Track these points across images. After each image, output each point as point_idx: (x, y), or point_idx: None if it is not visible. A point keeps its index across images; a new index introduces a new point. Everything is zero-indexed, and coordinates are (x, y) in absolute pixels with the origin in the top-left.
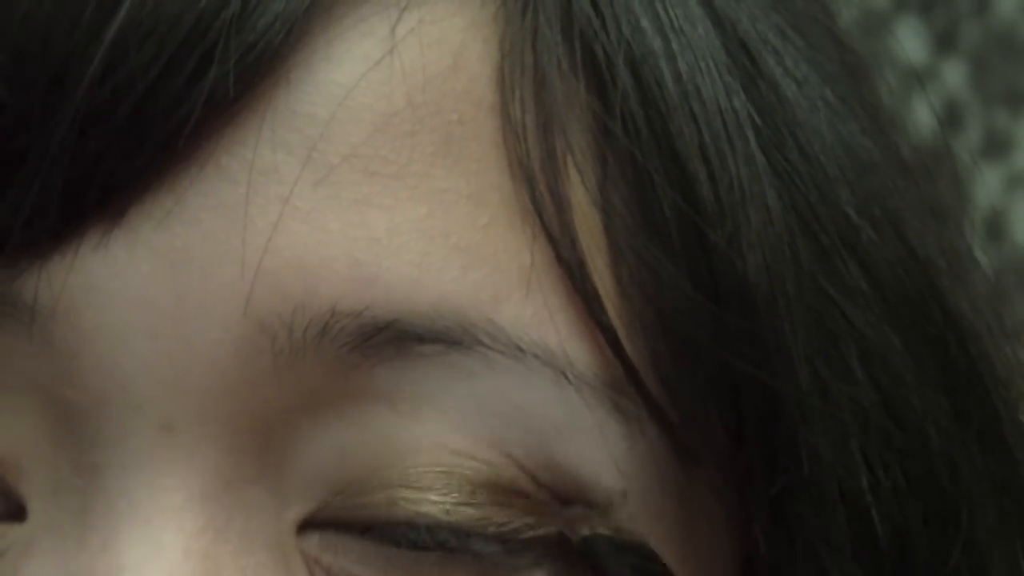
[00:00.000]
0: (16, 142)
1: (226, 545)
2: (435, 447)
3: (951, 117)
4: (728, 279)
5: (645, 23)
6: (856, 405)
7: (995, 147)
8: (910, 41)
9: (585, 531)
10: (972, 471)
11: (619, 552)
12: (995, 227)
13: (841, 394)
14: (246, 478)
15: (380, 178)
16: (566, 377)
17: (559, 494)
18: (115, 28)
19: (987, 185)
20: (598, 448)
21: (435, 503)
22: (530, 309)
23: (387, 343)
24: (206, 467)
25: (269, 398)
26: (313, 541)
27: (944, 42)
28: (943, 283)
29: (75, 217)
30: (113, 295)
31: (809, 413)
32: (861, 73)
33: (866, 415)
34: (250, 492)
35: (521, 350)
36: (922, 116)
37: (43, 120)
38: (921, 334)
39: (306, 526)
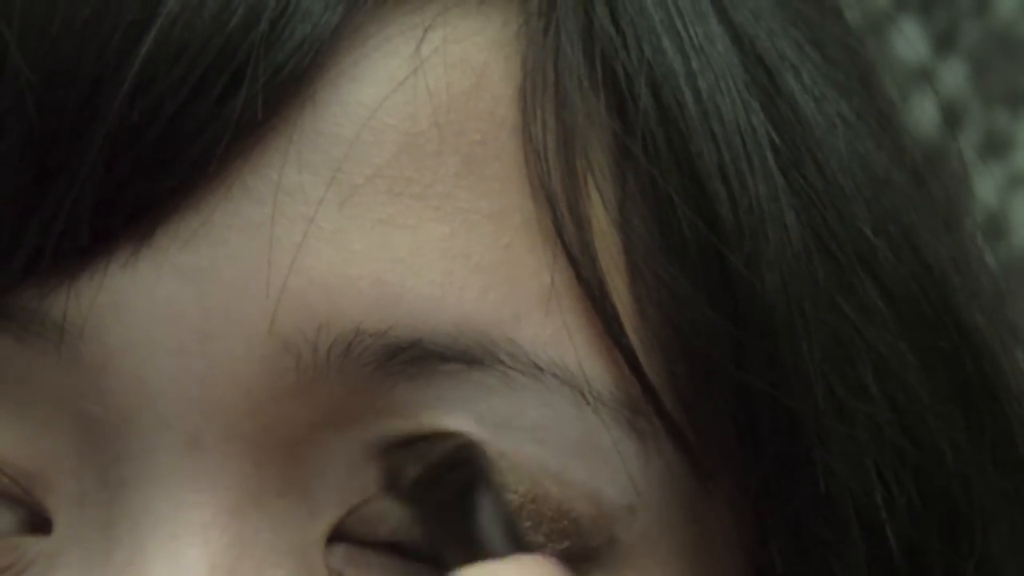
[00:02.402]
0: (47, 163)
1: (252, 560)
2: None
3: (951, 117)
4: (746, 299)
5: (666, 42)
6: (871, 423)
7: (995, 147)
8: (910, 41)
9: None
10: (986, 488)
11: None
12: (995, 227)
13: (857, 412)
14: (272, 493)
15: (404, 198)
16: (583, 396)
17: (569, 510)
18: (144, 51)
19: (987, 185)
20: (614, 464)
21: None
22: (549, 328)
23: (410, 362)
24: (232, 482)
25: (294, 414)
26: (338, 555)
27: (944, 42)
28: (958, 299)
29: (104, 237)
30: (140, 313)
31: (825, 431)
32: (875, 83)
33: (881, 433)
34: (276, 507)
35: (540, 369)
36: (922, 116)
37: (73, 141)
38: (936, 351)
39: (331, 540)
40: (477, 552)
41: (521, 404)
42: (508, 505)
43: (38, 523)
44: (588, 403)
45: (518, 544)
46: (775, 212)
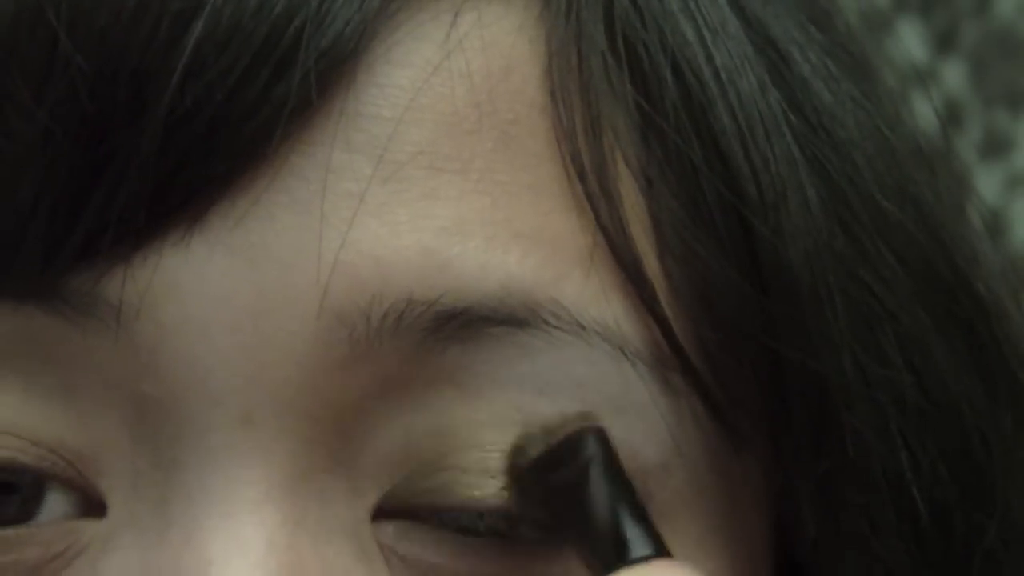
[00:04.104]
0: (101, 150)
1: (306, 536)
2: (498, 424)
3: (951, 117)
4: (773, 268)
5: (682, 22)
6: (894, 387)
7: (995, 147)
8: (910, 41)
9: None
10: (1004, 446)
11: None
12: (995, 227)
13: (880, 377)
14: (321, 468)
15: (445, 174)
16: (623, 352)
17: None
18: (193, 40)
19: (987, 185)
20: (651, 421)
21: (487, 487)
22: (589, 289)
23: (460, 328)
24: (284, 459)
25: (345, 387)
26: (388, 530)
27: (944, 42)
28: (967, 267)
29: (158, 220)
30: (194, 292)
31: (851, 396)
32: (871, 63)
33: (903, 396)
34: (325, 482)
35: (582, 327)
36: (922, 116)
37: (127, 129)
38: (951, 316)
39: (379, 515)
40: (594, 534)
41: (564, 363)
42: (633, 490)
43: (93, 506)
44: (627, 359)
45: (642, 529)
46: (796, 185)
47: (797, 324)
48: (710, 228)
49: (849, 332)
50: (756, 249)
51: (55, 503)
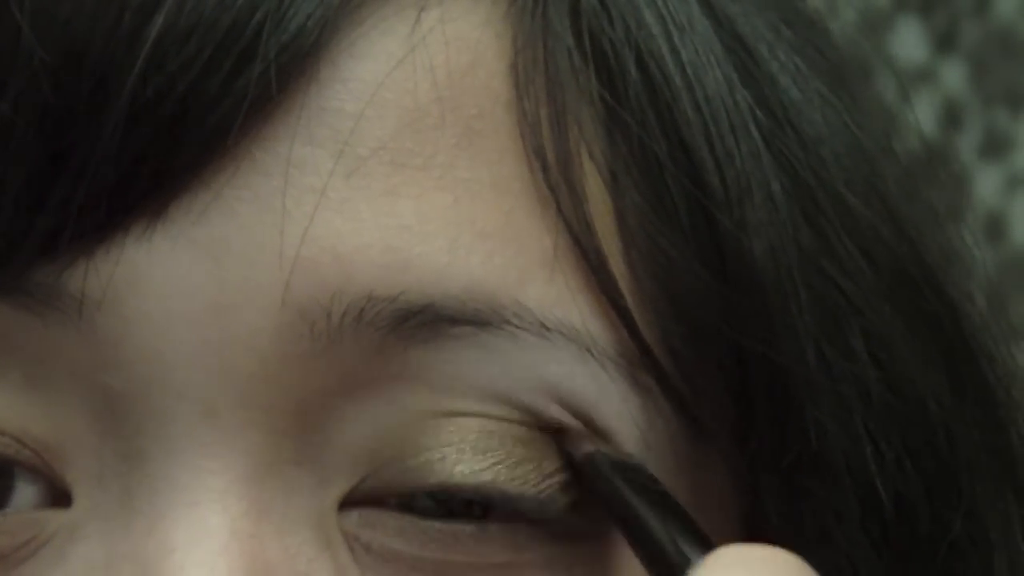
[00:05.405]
0: (63, 142)
1: (269, 525)
2: (468, 419)
3: (951, 117)
4: (736, 262)
5: (649, 18)
6: (859, 381)
7: (995, 147)
8: (910, 41)
9: (588, 448)
10: (969, 441)
11: (616, 468)
12: (995, 227)
13: (845, 371)
14: (286, 460)
15: (407, 170)
16: (590, 352)
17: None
18: (155, 31)
19: (987, 185)
20: (622, 418)
21: (465, 464)
22: (553, 290)
23: (421, 326)
24: (248, 450)
25: (308, 381)
26: (352, 519)
27: (944, 42)
28: (934, 262)
29: (120, 213)
30: (156, 285)
31: (816, 390)
32: (842, 62)
33: (868, 390)
34: (291, 473)
35: (547, 328)
36: (922, 116)
37: (89, 121)
38: (917, 311)
39: (345, 504)
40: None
41: (530, 363)
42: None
43: (58, 496)
44: (595, 359)
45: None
46: (761, 180)
47: (761, 318)
48: (675, 222)
49: (814, 326)
50: (720, 243)
51: (22, 494)
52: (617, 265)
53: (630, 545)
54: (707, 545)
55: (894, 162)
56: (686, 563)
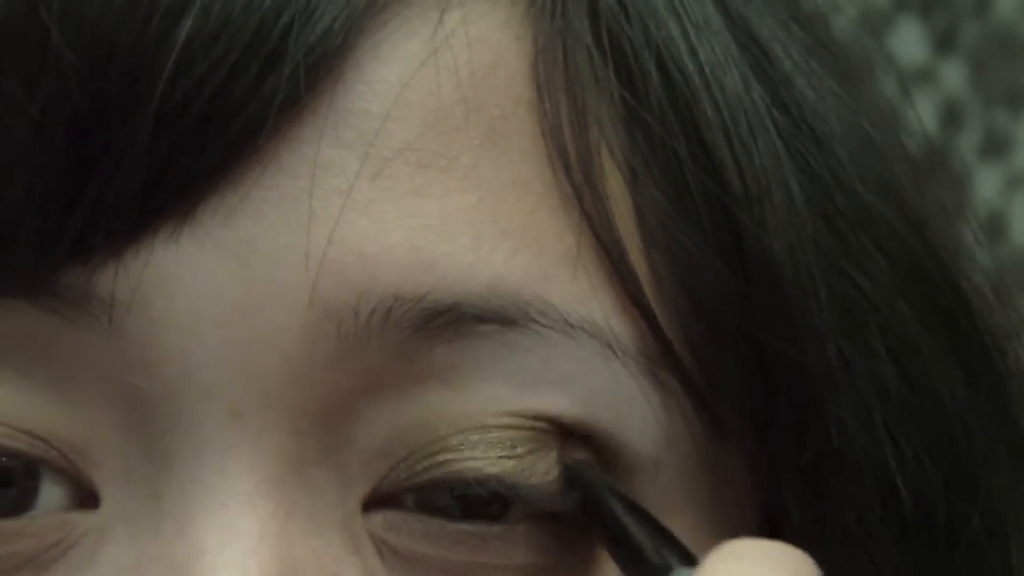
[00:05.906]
0: (92, 145)
1: (296, 527)
2: (487, 416)
3: (951, 117)
4: (756, 259)
5: (667, 18)
6: (877, 378)
7: (995, 147)
8: (910, 41)
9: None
10: (985, 436)
11: (602, 475)
12: (995, 227)
13: (863, 368)
14: (310, 460)
15: (432, 170)
16: (612, 349)
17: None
18: (183, 34)
19: (987, 185)
20: (641, 416)
21: (486, 460)
22: (576, 288)
23: (447, 325)
24: (273, 451)
25: (333, 381)
26: (378, 521)
27: (944, 42)
28: (948, 259)
29: (149, 215)
30: (184, 287)
31: (836, 387)
32: (853, 63)
33: (887, 387)
34: (314, 474)
35: (571, 325)
36: (922, 116)
37: (118, 123)
38: (933, 308)
39: (369, 506)
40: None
41: (553, 360)
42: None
43: (86, 498)
44: (617, 356)
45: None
46: (779, 178)
47: (781, 315)
48: (694, 220)
49: (832, 323)
50: (740, 241)
51: (49, 496)
52: (638, 263)
53: (609, 551)
54: (688, 555)
55: (905, 158)
56: (667, 568)
